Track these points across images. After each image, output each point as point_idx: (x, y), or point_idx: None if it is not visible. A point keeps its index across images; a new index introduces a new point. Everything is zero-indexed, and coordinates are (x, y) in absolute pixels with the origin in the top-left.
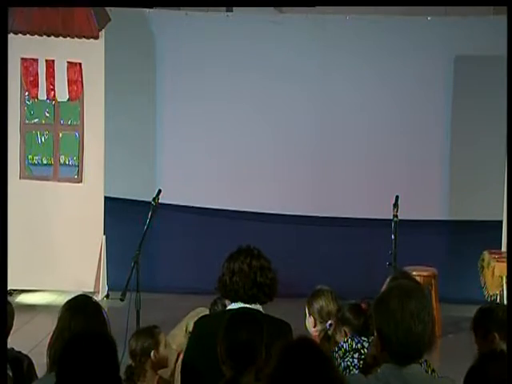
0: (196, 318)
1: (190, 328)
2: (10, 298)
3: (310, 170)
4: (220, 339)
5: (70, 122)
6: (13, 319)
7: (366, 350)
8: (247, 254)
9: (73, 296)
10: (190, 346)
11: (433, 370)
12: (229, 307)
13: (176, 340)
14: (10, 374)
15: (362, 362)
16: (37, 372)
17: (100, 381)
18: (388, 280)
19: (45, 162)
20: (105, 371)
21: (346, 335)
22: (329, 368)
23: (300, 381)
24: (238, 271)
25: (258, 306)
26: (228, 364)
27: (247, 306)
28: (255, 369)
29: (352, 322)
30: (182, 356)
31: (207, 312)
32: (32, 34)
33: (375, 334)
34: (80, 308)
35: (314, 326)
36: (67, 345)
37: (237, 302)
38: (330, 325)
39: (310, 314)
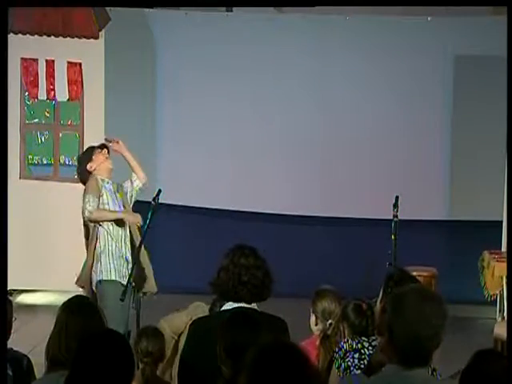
0: (195, 311)
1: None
2: (9, 298)
3: (309, 170)
4: (219, 339)
5: (70, 122)
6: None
7: (365, 350)
8: (237, 252)
9: (70, 297)
10: (187, 346)
11: (433, 370)
12: (224, 307)
13: (173, 323)
14: (10, 373)
15: (362, 362)
16: (36, 372)
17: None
18: (385, 279)
19: (45, 162)
20: (121, 373)
21: (344, 335)
22: (304, 369)
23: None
24: (224, 268)
25: (253, 305)
26: (227, 364)
27: (243, 305)
28: None
29: (353, 322)
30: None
31: (204, 306)
32: (32, 34)
33: (376, 334)
34: (76, 309)
35: (316, 325)
36: (84, 343)
37: (227, 300)
38: (330, 324)
39: (312, 313)
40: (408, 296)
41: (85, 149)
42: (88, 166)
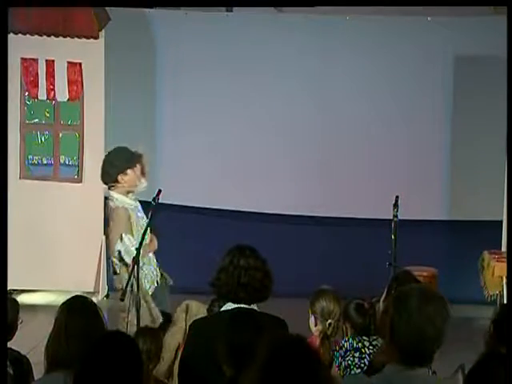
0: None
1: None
2: (16, 299)
3: (310, 170)
4: (221, 339)
5: (69, 122)
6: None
7: (366, 350)
8: (237, 253)
9: (69, 297)
10: (187, 347)
11: (433, 372)
12: (223, 308)
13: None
14: (11, 371)
15: (362, 361)
16: (35, 372)
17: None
18: (390, 280)
19: (45, 161)
20: (130, 374)
21: (347, 334)
22: (317, 366)
23: (288, 381)
24: (224, 269)
25: (253, 306)
26: (229, 364)
27: (242, 306)
28: None
29: (355, 321)
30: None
31: (194, 304)
32: (32, 34)
33: (374, 335)
34: (76, 309)
35: (315, 326)
36: (93, 344)
37: (226, 301)
38: (330, 324)
39: (311, 313)
40: (411, 296)
41: (119, 149)
42: (119, 178)
